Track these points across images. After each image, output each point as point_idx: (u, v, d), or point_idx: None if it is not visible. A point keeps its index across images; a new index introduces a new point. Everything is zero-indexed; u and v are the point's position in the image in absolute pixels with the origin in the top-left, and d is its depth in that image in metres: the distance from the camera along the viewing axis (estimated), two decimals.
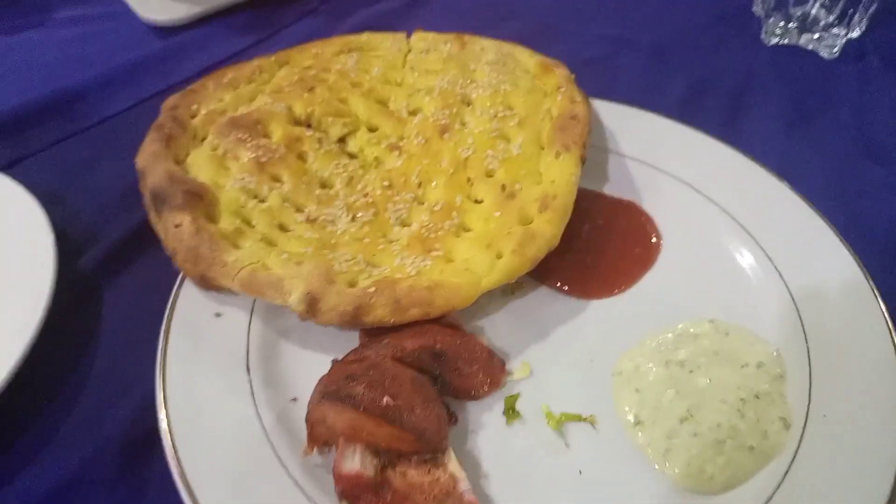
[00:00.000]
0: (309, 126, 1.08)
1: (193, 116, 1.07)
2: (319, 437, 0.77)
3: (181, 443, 0.77)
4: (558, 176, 0.98)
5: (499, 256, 0.91)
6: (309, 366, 0.85)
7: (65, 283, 0.95)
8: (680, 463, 0.80)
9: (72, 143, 1.26)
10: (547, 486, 0.79)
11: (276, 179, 1.00)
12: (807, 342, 0.88)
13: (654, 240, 1.02)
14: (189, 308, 0.90)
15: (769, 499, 0.75)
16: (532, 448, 0.82)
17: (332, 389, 0.76)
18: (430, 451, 0.75)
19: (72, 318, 0.97)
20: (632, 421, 0.83)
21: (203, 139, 1.05)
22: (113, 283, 1.02)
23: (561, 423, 0.83)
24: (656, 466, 0.80)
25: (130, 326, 0.95)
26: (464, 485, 0.73)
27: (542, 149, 1.03)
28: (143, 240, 1.03)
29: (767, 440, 0.80)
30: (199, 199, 0.94)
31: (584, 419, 0.84)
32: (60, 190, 1.15)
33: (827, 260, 0.95)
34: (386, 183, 1.01)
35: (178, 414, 0.80)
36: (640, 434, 0.82)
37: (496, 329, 0.92)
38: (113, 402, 0.88)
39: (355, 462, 0.72)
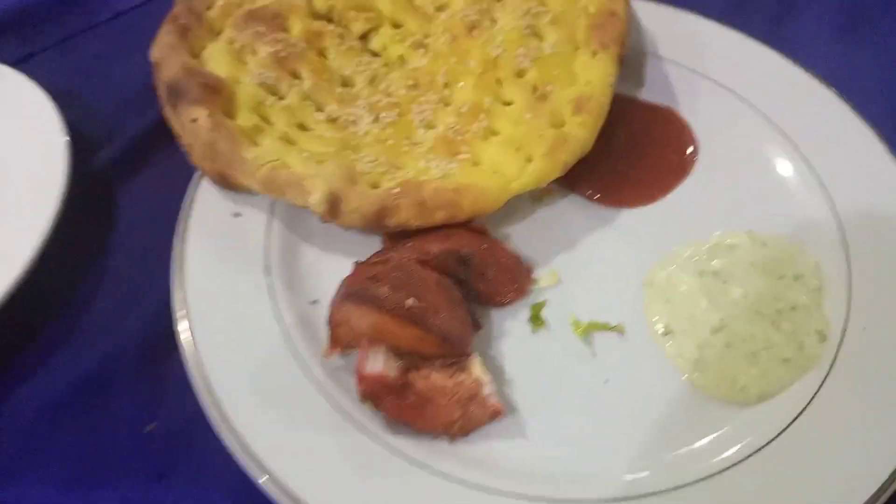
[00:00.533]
0: (330, 21, 1.02)
1: (209, 8, 1.01)
2: (341, 339, 0.75)
3: (200, 344, 0.76)
4: (594, 77, 0.93)
5: (529, 160, 0.87)
6: (330, 269, 0.83)
7: (79, 183, 0.93)
8: (712, 373, 0.77)
9: (85, 38, 1.20)
10: (572, 394, 0.77)
11: (296, 76, 0.95)
12: (847, 256, 0.84)
13: (690, 148, 0.97)
14: (207, 208, 0.87)
15: (802, 410, 0.73)
16: (557, 356, 0.80)
17: (355, 290, 0.74)
18: (455, 355, 0.74)
19: (86, 218, 0.94)
20: (662, 331, 0.81)
21: (219, 33, 0.99)
22: (129, 182, 1.00)
23: (588, 331, 0.81)
24: (685, 377, 0.78)
25: (147, 226, 0.92)
26: (488, 388, 0.72)
27: (578, 48, 0.97)
28: (160, 138, 1.00)
29: (803, 352, 0.78)
30: (217, 94, 0.89)
31: (612, 328, 0.81)
32: (73, 87, 1.11)
33: (874, 174, 0.90)
34: (410, 83, 0.96)
35: (196, 315, 0.78)
36: (669, 344, 0.80)
37: (523, 237, 0.89)
38: (131, 302, 0.87)
39: (378, 363, 0.70)
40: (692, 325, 0.80)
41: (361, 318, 0.72)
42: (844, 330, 0.78)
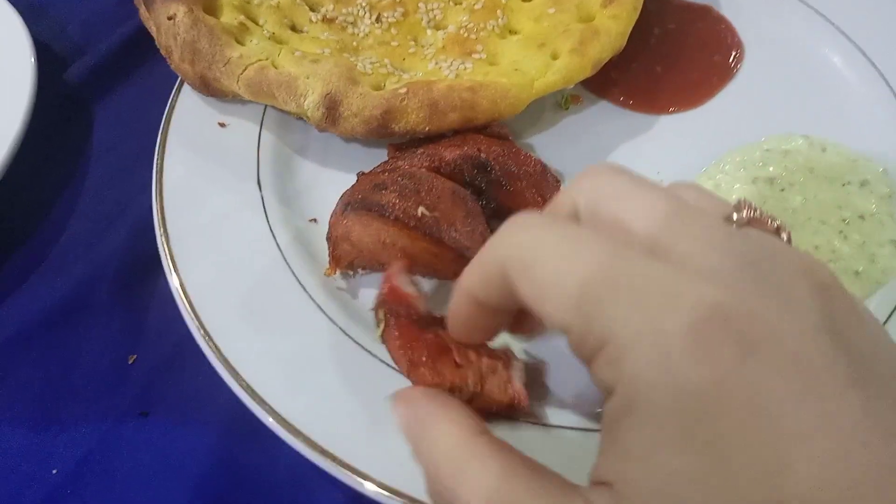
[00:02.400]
0: None
1: None
2: (343, 257, 0.65)
3: (183, 263, 0.66)
4: None
5: (554, 57, 0.77)
6: (329, 184, 0.72)
7: (50, 99, 0.83)
8: None
9: None
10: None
11: None
12: None
13: (734, 47, 0.86)
14: (189, 117, 0.77)
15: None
16: None
17: (357, 198, 0.64)
18: None
19: (59, 135, 0.85)
20: None
21: None
22: (105, 98, 0.90)
23: None
24: None
25: (126, 143, 0.84)
26: (518, 369, 0.56)
27: None
28: (138, 51, 0.90)
29: (876, 264, 0.67)
30: None
31: None
32: (46, 1, 1.01)
33: None
34: None
35: (178, 231, 0.68)
36: None
37: (549, 148, 0.78)
38: (107, 223, 0.78)
39: (410, 286, 0.58)
40: None
41: (365, 230, 0.62)
42: None
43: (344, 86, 0.72)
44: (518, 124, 0.77)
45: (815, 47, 0.85)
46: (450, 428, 0.43)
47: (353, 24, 0.82)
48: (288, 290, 0.65)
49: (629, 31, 0.79)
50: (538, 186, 0.72)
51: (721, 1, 0.90)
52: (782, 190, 0.72)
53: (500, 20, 0.81)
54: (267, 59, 0.74)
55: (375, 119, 0.71)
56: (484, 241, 0.63)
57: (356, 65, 0.75)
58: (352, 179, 0.70)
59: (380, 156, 0.76)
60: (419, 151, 0.71)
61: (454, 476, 0.40)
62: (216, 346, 0.61)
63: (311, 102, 0.72)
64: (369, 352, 0.61)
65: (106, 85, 0.90)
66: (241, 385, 0.58)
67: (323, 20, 0.82)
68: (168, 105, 0.78)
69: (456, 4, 0.84)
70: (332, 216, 0.66)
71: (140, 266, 0.72)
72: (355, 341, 0.62)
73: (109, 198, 0.79)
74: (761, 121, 0.79)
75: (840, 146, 0.76)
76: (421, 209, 0.62)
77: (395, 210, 0.61)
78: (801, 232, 0.69)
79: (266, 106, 0.77)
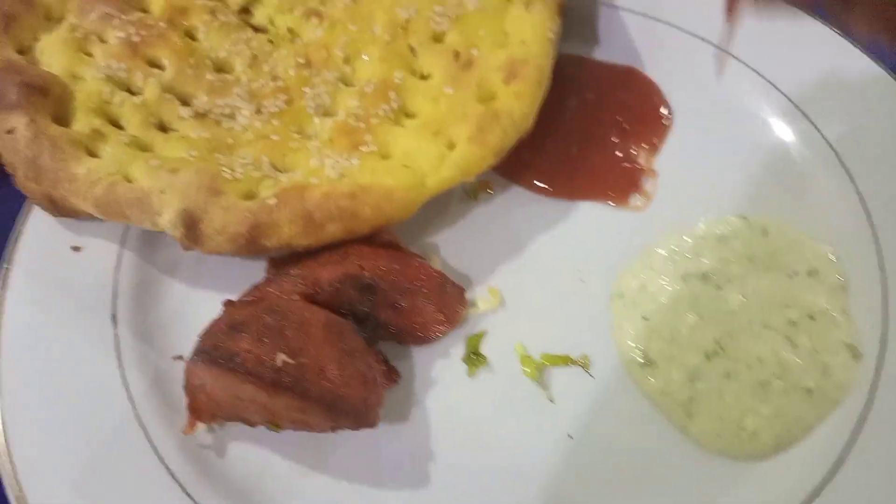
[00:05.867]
0: None
1: None
2: (203, 409, 0.55)
3: (11, 429, 0.56)
4: (529, 34, 0.74)
5: (451, 147, 0.69)
6: (200, 310, 0.63)
7: None
8: (708, 417, 0.59)
9: None
10: (526, 457, 0.58)
11: (155, 65, 0.75)
12: (877, 240, 0.65)
13: (662, 115, 0.77)
14: (38, 241, 0.68)
15: (839, 461, 0.54)
16: (504, 405, 0.62)
17: (208, 346, 0.54)
18: (355, 426, 0.53)
19: None
20: (639, 361, 0.61)
21: (59, 20, 0.79)
22: None
23: (542, 368, 0.63)
24: (675, 423, 0.58)
25: None
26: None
27: (508, 1, 0.77)
28: None
29: (830, 378, 0.59)
30: (42, 95, 0.70)
31: (574, 362, 0.62)
32: None
33: None
34: (302, 60, 0.77)
35: (9, 387, 0.58)
36: (651, 379, 0.61)
37: (454, 246, 0.71)
38: None
39: None
40: (678, 349, 0.62)
41: (217, 384, 0.53)
42: (884, 341, 0.59)
43: (204, 199, 0.62)
44: (418, 220, 0.68)
45: (752, 110, 0.76)
46: None
47: (231, 116, 0.73)
48: (139, 456, 0.55)
49: (536, 111, 0.70)
50: (437, 301, 0.62)
51: (643, 58, 0.81)
52: (718, 287, 0.63)
53: (393, 103, 0.72)
54: (118, 172, 0.65)
55: (242, 236, 0.62)
56: (366, 384, 0.54)
57: (223, 170, 0.66)
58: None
59: (261, 268, 0.66)
60: (294, 272, 0.61)
61: None
62: None
63: (167, 220, 0.62)
64: None
65: None
66: None
67: (195, 115, 0.72)
68: (15, 227, 0.68)
69: (347, 86, 0.75)
70: (187, 361, 0.56)
71: None
72: None
73: None
74: (694, 200, 0.71)
75: (784, 227, 0.68)
76: (281, 357, 0.52)
77: (249, 361, 0.52)
78: (742, 340, 0.60)
79: None
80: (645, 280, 0.65)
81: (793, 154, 0.72)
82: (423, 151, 0.67)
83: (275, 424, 0.54)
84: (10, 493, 0.53)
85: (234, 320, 0.55)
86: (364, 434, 0.57)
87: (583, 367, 0.62)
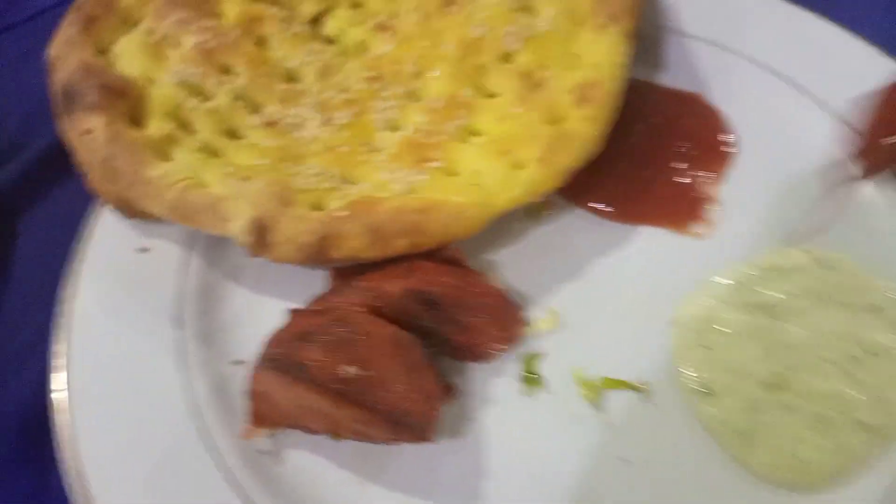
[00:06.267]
0: (274, 2, 0.83)
1: None
2: (264, 417, 0.56)
3: (80, 426, 0.58)
4: (601, 58, 0.74)
5: (519, 167, 0.69)
6: (263, 318, 0.64)
7: None
8: (767, 448, 0.58)
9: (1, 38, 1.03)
10: (581, 482, 0.58)
11: (227, 71, 0.77)
12: None
13: (727, 143, 0.76)
14: (106, 243, 0.70)
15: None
16: (560, 426, 0.61)
17: (276, 354, 0.55)
18: (414, 440, 0.54)
19: None
20: (699, 390, 0.61)
21: (136, 23, 0.81)
22: (29, 212, 0.82)
23: (600, 392, 0.62)
24: (733, 453, 0.58)
25: (47, 266, 0.74)
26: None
27: (580, 23, 0.77)
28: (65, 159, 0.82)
29: (890, 413, 0.57)
30: (120, 97, 0.71)
31: (633, 387, 0.62)
32: None
33: None
34: (372, 74, 0.78)
35: (78, 386, 0.60)
36: (711, 409, 0.60)
37: (514, 266, 0.70)
38: (10, 369, 0.68)
39: None
40: (739, 379, 0.61)
41: (284, 393, 0.53)
42: None
43: (275, 208, 0.63)
44: (479, 238, 0.68)
45: (819, 143, 0.75)
46: None
47: (299, 126, 0.74)
48: (200, 460, 0.56)
49: (605, 132, 0.70)
50: (497, 320, 0.63)
51: (711, 86, 0.81)
52: (781, 320, 0.63)
53: (460, 121, 0.73)
54: (192, 177, 0.66)
55: (311, 246, 0.63)
56: (427, 400, 0.54)
57: (293, 180, 0.67)
58: (287, 309, 0.61)
59: (323, 279, 0.67)
60: (360, 284, 0.62)
61: None
62: None
63: (238, 227, 0.63)
64: None
65: (32, 197, 0.82)
66: None
67: (265, 124, 0.74)
68: (84, 228, 0.69)
69: (414, 102, 0.76)
70: (252, 368, 0.57)
71: (44, 419, 0.63)
72: None
73: (22, 334, 0.71)
74: (759, 231, 0.71)
75: (847, 262, 0.67)
76: (349, 369, 0.53)
77: (318, 372, 0.52)
78: (803, 373, 0.60)
79: None
80: (707, 309, 0.64)
81: (862, 192, 0.71)
82: (491, 170, 0.68)
83: (335, 434, 0.55)
84: (77, 492, 0.54)
85: (302, 329, 0.56)
86: (420, 447, 0.58)
87: (641, 393, 0.62)
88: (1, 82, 0.96)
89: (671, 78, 0.82)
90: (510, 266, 0.69)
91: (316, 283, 0.67)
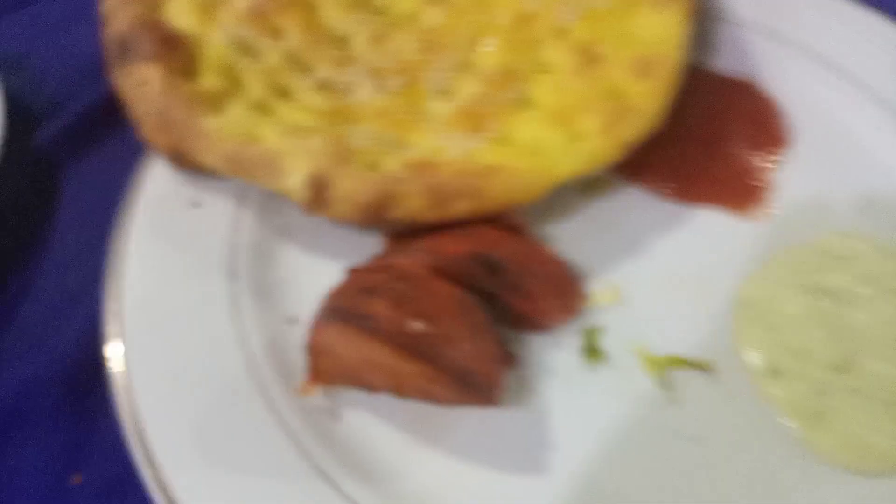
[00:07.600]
0: None
1: None
2: (324, 372, 0.54)
3: (134, 374, 0.57)
4: (661, 35, 0.72)
5: (579, 138, 0.67)
6: (316, 276, 0.62)
7: (16, 162, 0.75)
8: (834, 431, 0.57)
9: (45, 2, 1.01)
10: (642, 459, 0.56)
11: (278, 33, 0.75)
12: None
13: (785, 129, 0.75)
14: (158, 195, 0.68)
15: None
16: (622, 403, 0.59)
17: (341, 306, 0.53)
18: (480, 402, 0.52)
19: (21, 204, 0.77)
20: (765, 370, 0.59)
21: None
22: (74, 164, 0.80)
23: (664, 369, 0.60)
24: (799, 435, 0.56)
25: (92, 217, 0.73)
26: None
27: (636, 4, 0.76)
28: (114, 115, 0.80)
29: None
30: (174, 50, 0.70)
31: (696, 365, 0.60)
32: (26, 54, 0.93)
33: None
34: (423, 44, 0.76)
35: (132, 335, 0.59)
36: (777, 390, 0.58)
37: (572, 240, 0.68)
38: (59, 316, 0.68)
39: None
40: (805, 361, 0.59)
41: (348, 346, 0.51)
42: None
43: (334, 165, 0.62)
44: (534, 211, 0.67)
45: (873, 134, 0.74)
46: None
47: (351, 90, 0.73)
48: (255, 415, 0.54)
49: (666, 110, 0.69)
50: (559, 289, 0.61)
51: (765, 73, 0.80)
52: (844, 305, 0.62)
53: (516, 91, 0.71)
54: (248, 131, 0.65)
55: (370, 205, 0.61)
56: (491, 362, 0.53)
57: (350, 139, 0.65)
58: (341, 271, 0.60)
59: (377, 243, 0.66)
60: (419, 245, 0.60)
61: None
62: (162, 483, 0.50)
63: (296, 182, 0.62)
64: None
65: (77, 150, 0.80)
66: None
67: (317, 86, 0.72)
68: (135, 180, 0.68)
69: (467, 72, 0.74)
70: (313, 321, 0.56)
71: (90, 369, 0.61)
72: (335, 487, 0.51)
73: (67, 283, 0.69)
74: (817, 214, 0.69)
75: None
76: (416, 324, 0.51)
77: (385, 324, 0.51)
78: (869, 358, 0.59)
79: None
80: (769, 291, 0.63)
81: None
82: (551, 140, 0.66)
83: (398, 392, 0.53)
84: (136, 449, 0.53)
85: (366, 283, 0.55)
86: (478, 414, 0.56)
87: (706, 371, 0.60)
88: (40, 45, 0.95)
89: (723, 62, 0.80)
90: (569, 240, 0.67)
91: (369, 245, 0.65)
